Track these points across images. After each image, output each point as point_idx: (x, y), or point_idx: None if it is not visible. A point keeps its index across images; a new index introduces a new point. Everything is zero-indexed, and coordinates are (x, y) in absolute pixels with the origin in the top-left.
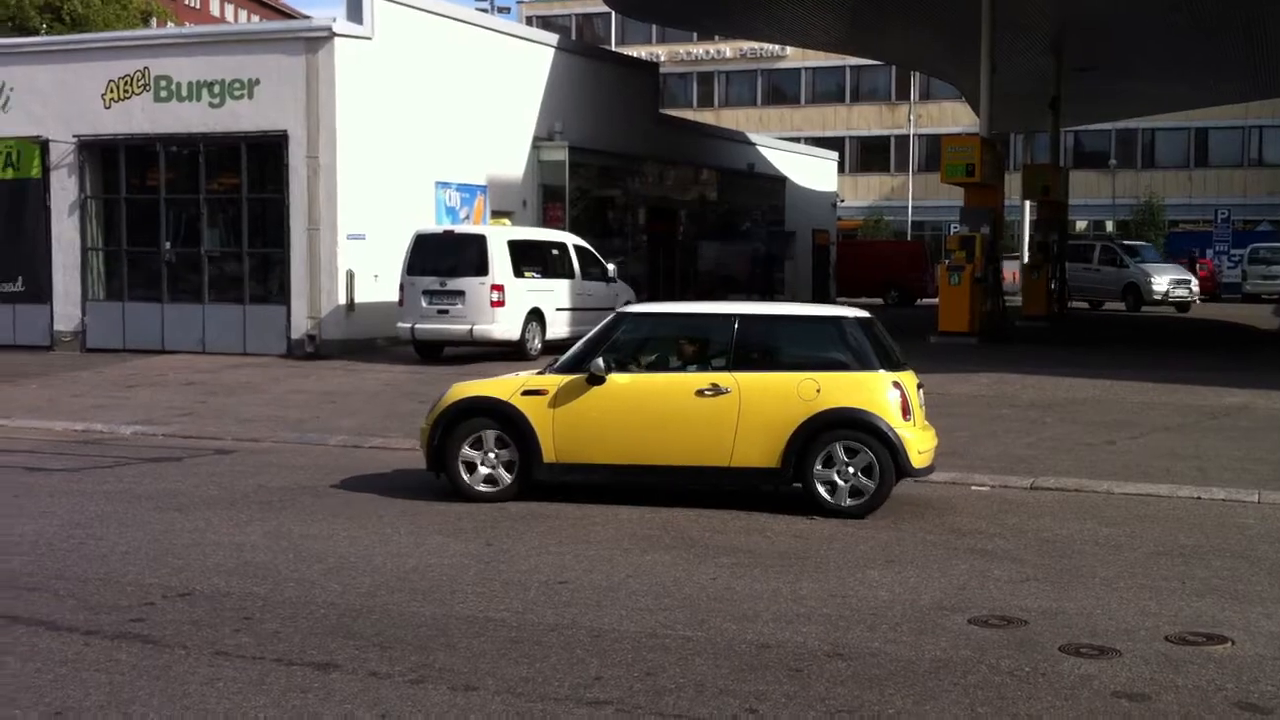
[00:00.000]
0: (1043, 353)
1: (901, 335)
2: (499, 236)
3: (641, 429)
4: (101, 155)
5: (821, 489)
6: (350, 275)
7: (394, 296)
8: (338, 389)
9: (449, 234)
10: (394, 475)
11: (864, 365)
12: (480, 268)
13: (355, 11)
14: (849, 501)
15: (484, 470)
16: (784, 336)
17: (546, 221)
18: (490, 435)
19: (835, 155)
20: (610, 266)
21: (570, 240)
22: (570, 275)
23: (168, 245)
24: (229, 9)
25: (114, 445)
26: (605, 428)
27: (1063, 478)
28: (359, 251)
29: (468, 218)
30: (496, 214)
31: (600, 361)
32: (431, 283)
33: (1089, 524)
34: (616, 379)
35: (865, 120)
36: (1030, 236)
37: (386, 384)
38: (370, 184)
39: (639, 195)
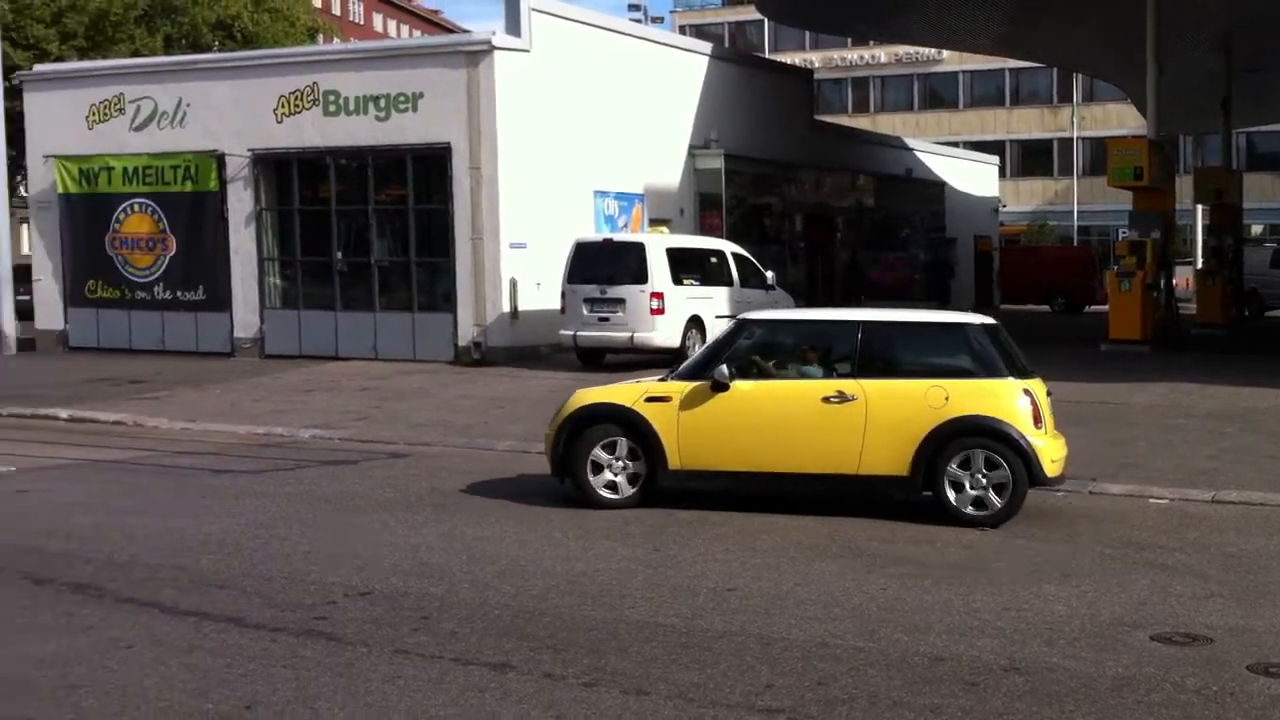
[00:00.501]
0: (1220, 361)
1: (1070, 343)
2: (658, 244)
3: (766, 436)
4: (275, 168)
5: (953, 497)
6: (513, 283)
7: (556, 304)
8: (504, 395)
9: (608, 242)
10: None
11: (991, 373)
12: (639, 275)
13: (514, 25)
14: (981, 510)
15: (609, 476)
16: (909, 343)
17: (704, 229)
18: (616, 442)
19: (996, 159)
20: (769, 274)
21: (728, 248)
22: (729, 283)
23: (339, 255)
24: (391, 24)
25: (293, 448)
26: (730, 434)
27: (1247, 491)
28: (521, 260)
29: (626, 226)
30: (654, 222)
31: (724, 369)
32: (592, 290)
33: (1276, 539)
34: (740, 386)
35: (1026, 123)
36: (1204, 241)
37: (550, 390)
38: (531, 193)
39: (795, 202)
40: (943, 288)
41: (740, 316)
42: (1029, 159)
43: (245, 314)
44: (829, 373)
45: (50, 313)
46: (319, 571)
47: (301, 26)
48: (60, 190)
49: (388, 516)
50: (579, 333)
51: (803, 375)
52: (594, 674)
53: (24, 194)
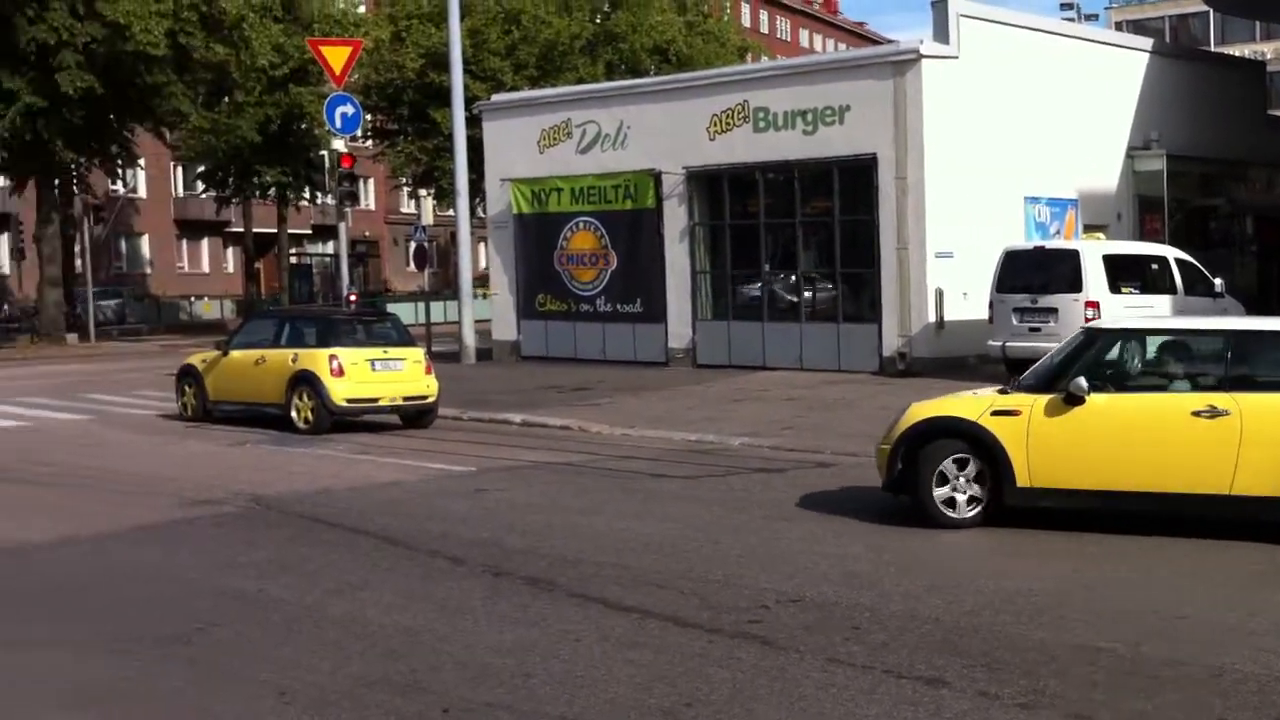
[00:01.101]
0: None
1: None
2: (1093, 251)
3: (1127, 452)
4: (707, 184)
5: None
6: (939, 293)
7: (983, 314)
8: None
9: (1040, 250)
10: None
11: None
12: (1074, 284)
13: (941, 32)
14: None
15: (953, 494)
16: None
17: (1143, 235)
18: (963, 459)
19: None
20: (1217, 281)
21: (1170, 254)
22: (1171, 291)
23: (767, 268)
24: (817, 39)
25: (724, 455)
26: (1086, 451)
27: None
28: (947, 270)
29: (1058, 233)
30: (1089, 228)
31: (1082, 381)
32: (1022, 300)
33: None
34: (1095, 399)
35: None
36: None
37: None
38: (957, 202)
39: (1245, 203)
40: None
41: (1089, 326)
42: None
43: (678, 325)
44: (1193, 386)
45: (505, 324)
46: (752, 576)
47: (732, 47)
48: (514, 211)
49: (815, 526)
50: (1008, 343)
51: (1163, 389)
52: (1031, 695)
53: (482, 215)
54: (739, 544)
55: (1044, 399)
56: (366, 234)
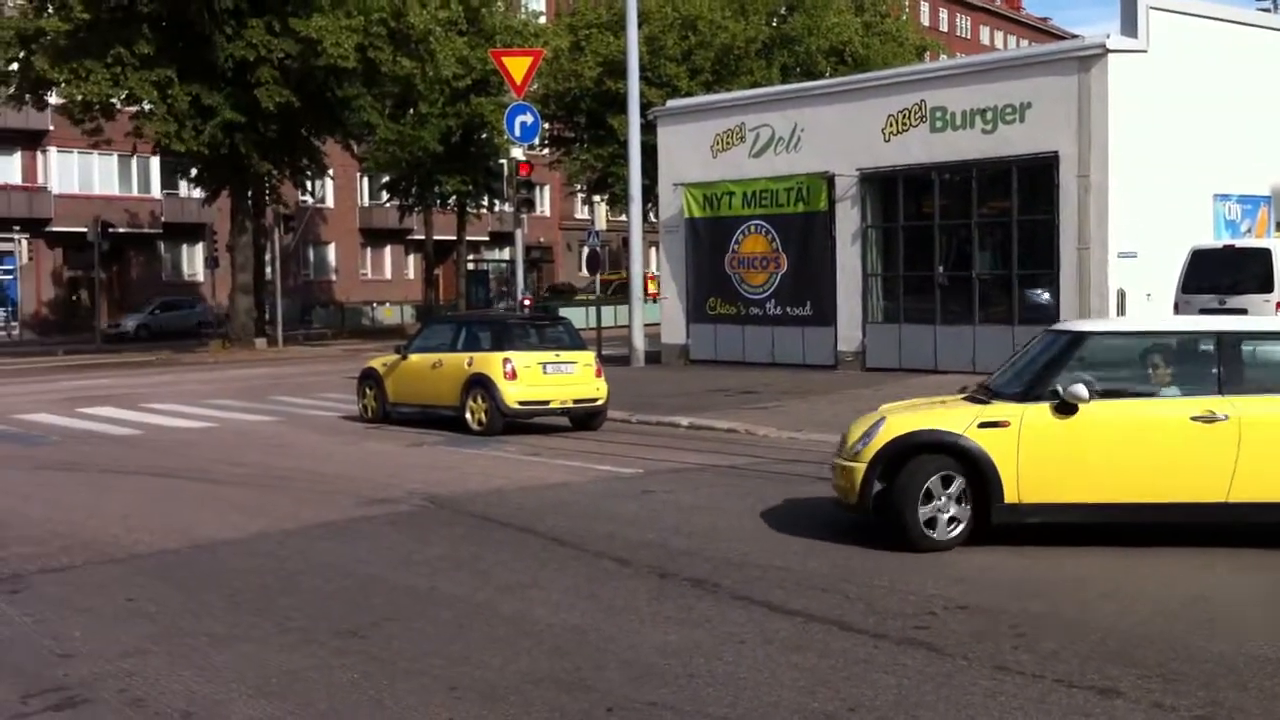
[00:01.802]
0: None
1: None
2: None
3: (1123, 462)
4: (881, 186)
5: None
6: (1121, 294)
7: (1167, 315)
8: None
9: (1230, 249)
10: None
11: None
12: (1265, 284)
13: (1129, 26)
14: None
15: (936, 514)
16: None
17: None
18: (949, 475)
19: None
20: None
21: None
22: None
23: (940, 269)
24: (998, 36)
25: None
26: (1080, 462)
27: None
28: (1130, 270)
29: (1249, 231)
30: None
31: (1083, 389)
32: (1209, 301)
33: None
34: (1090, 407)
35: None
36: None
37: None
38: (1141, 200)
39: None
40: None
41: (1067, 327)
42: None
43: (848, 328)
44: (1186, 390)
45: (674, 328)
46: (918, 582)
47: (910, 46)
48: (686, 215)
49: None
50: None
51: (1154, 394)
52: (1209, 708)
53: (654, 219)
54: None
55: (1033, 408)
56: (541, 240)
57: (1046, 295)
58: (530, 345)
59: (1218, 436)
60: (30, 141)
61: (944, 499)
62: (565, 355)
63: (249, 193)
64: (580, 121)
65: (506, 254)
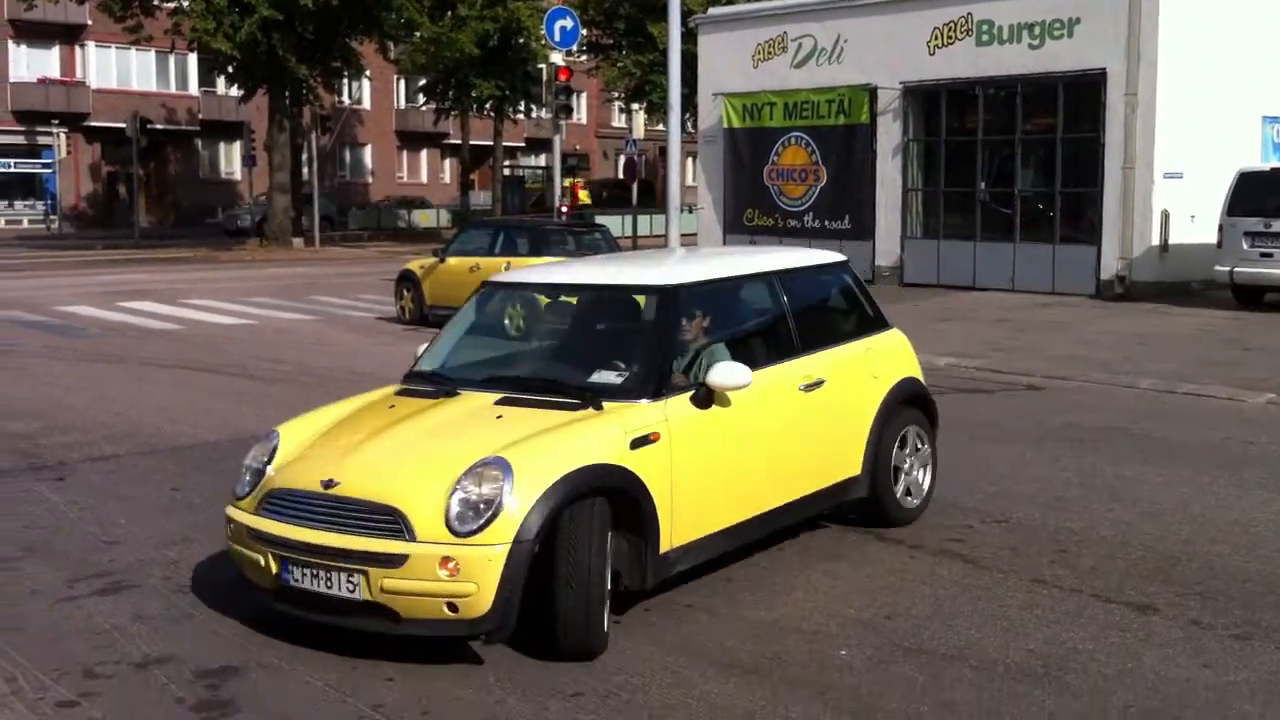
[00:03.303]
0: None
1: None
2: None
3: (764, 457)
4: (924, 100)
5: (899, 494)
6: (1165, 215)
7: (1210, 238)
8: (1148, 331)
9: (1276, 172)
10: (1211, 425)
11: (881, 325)
12: None
13: None
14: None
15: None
16: (818, 296)
17: None
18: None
19: None
20: None
21: None
22: None
23: (982, 185)
24: None
25: (930, 375)
26: (726, 468)
27: None
28: (1175, 191)
29: None
30: None
31: (734, 366)
32: (1255, 224)
33: None
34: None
35: None
36: None
37: (1201, 328)
38: (1189, 120)
39: None
40: None
41: (647, 280)
42: None
43: (887, 243)
44: (762, 354)
45: (710, 239)
46: (955, 495)
47: None
48: (725, 125)
49: (1024, 448)
50: (1236, 269)
51: (754, 362)
52: (1247, 627)
53: (691, 129)
54: (942, 463)
55: (674, 401)
56: (577, 147)
57: (1089, 216)
58: (567, 252)
59: (823, 404)
60: (69, 36)
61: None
62: None
63: (286, 92)
64: (619, 28)
65: (543, 160)
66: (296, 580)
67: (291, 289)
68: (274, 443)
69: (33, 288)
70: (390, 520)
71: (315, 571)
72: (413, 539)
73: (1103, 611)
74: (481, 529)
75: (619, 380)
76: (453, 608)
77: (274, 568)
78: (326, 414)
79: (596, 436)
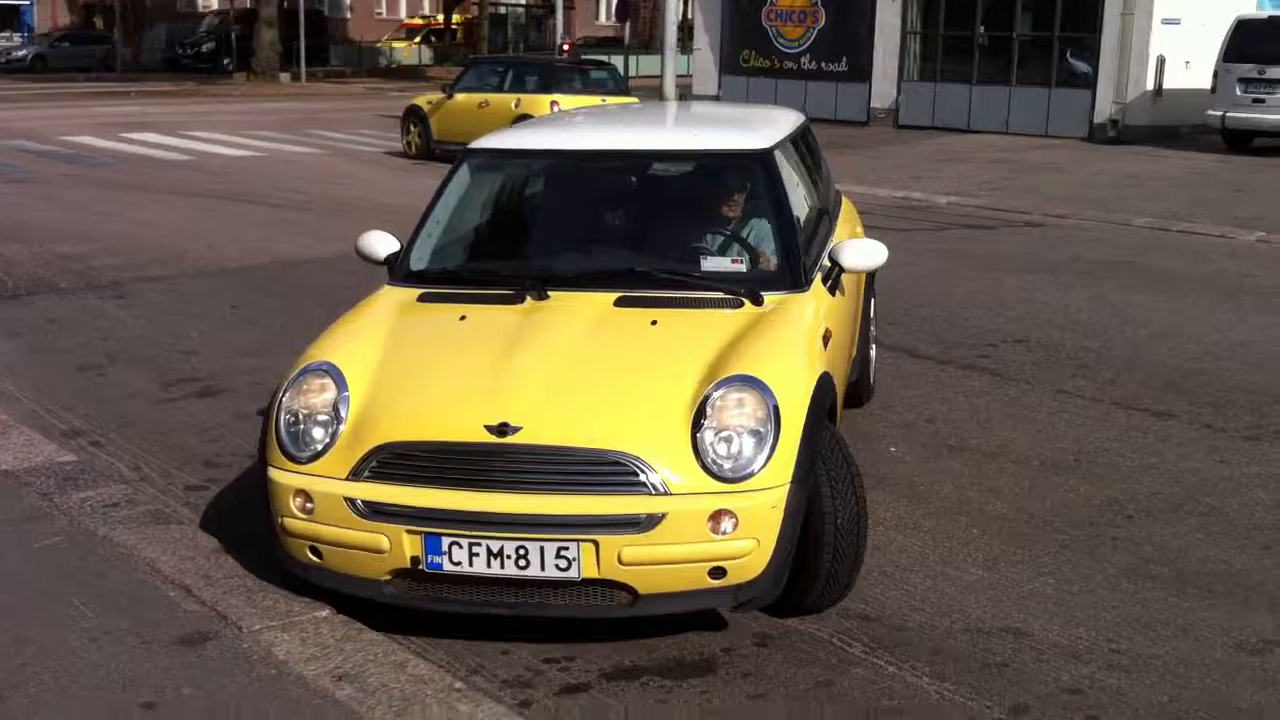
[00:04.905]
0: None
1: None
2: None
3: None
4: None
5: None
6: (1161, 61)
7: (1202, 84)
8: (1141, 173)
9: (1274, 20)
10: (1206, 260)
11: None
12: None
13: None
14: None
15: None
16: (814, 158)
17: None
18: None
19: None
20: None
21: None
22: None
23: (981, 29)
24: None
25: (933, 212)
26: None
27: None
28: (1172, 37)
29: None
30: None
31: (877, 249)
32: (1249, 70)
33: None
34: None
35: None
36: None
37: (1192, 170)
38: None
39: None
40: None
41: (720, 146)
42: None
43: (883, 85)
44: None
45: (706, 80)
46: (976, 319)
47: None
48: None
49: (1033, 278)
50: (1228, 113)
51: None
52: (1256, 430)
53: None
54: (960, 290)
55: (815, 289)
56: None
57: (1084, 62)
58: (575, 89)
59: None
60: None
61: None
62: (610, 100)
63: None
64: None
65: None
66: (456, 563)
67: (288, 123)
68: (334, 380)
69: (29, 118)
70: (621, 470)
71: (498, 548)
72: (662, 492)
73: (1124, 417)
74: (756, 472)
75: (745, 269)
76: (718, 573)
77: (409, 549)
78: (367, 331)
79: (800, 341)
